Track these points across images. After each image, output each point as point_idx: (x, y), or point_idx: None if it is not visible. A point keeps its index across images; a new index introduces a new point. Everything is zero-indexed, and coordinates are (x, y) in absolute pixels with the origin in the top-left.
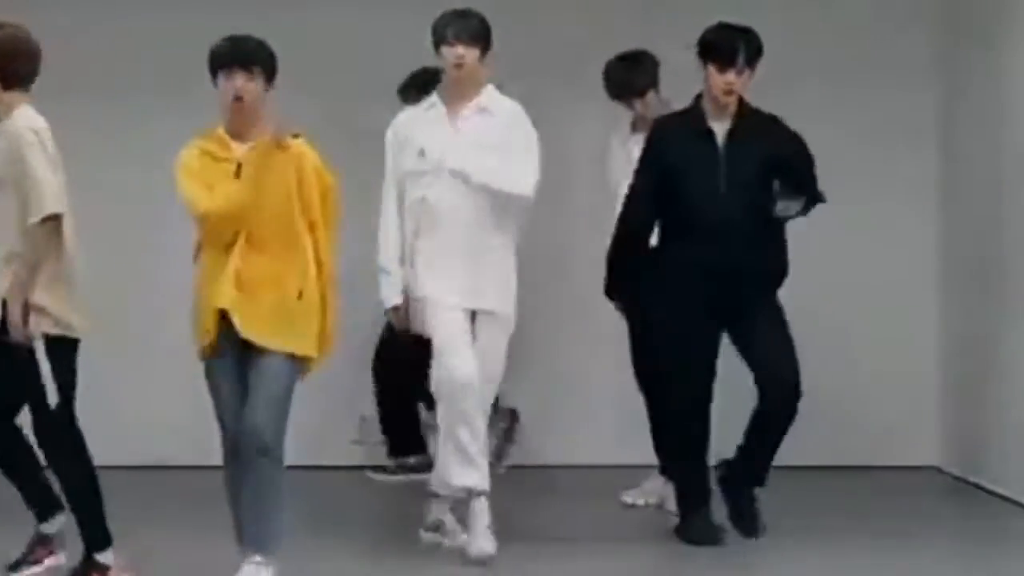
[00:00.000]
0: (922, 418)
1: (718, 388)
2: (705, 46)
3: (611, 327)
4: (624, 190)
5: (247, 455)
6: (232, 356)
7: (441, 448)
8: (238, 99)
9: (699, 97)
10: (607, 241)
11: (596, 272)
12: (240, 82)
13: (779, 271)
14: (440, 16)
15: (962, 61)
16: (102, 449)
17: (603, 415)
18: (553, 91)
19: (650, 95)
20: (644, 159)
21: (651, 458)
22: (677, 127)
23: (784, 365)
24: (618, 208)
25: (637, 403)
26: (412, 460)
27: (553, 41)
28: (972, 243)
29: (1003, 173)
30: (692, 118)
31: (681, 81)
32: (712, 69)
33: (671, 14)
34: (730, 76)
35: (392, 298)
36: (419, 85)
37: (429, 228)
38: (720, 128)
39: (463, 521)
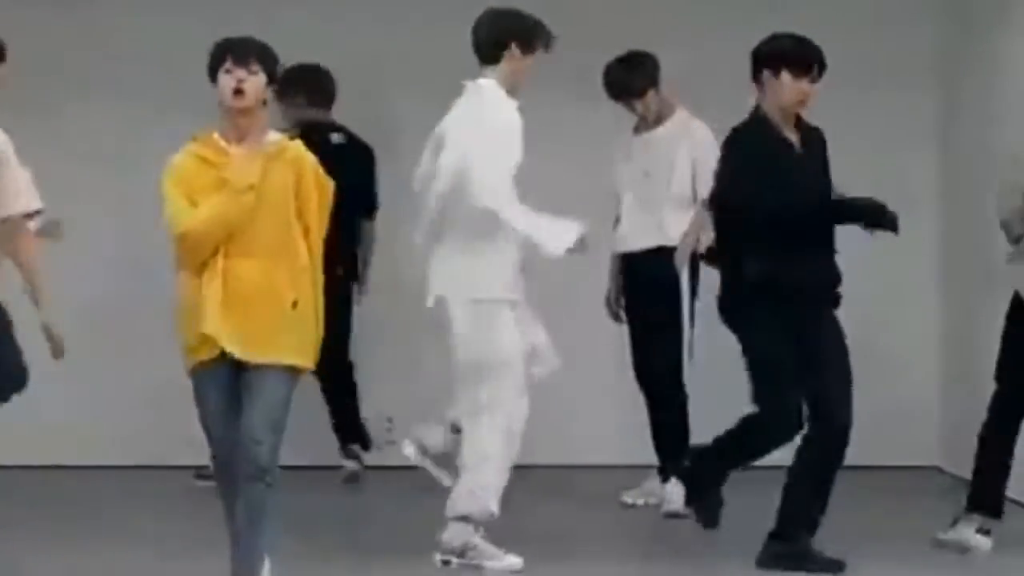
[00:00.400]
0: (922, 418)
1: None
2: (780, 54)
3: (611, 326)
4: (626, 192)
5: (243, 472)
6: (224, 369)
7: (489, 468)
8: (238, 92)
9: (757, 108)
10: (610, 242)
11: (598, 272)
12: (241, 74)
13: (839, 281)
14: (537, 20)
15: (962, 61)
16: (103, 449)
17: (603, 415)
18: (559, 93)
19: (650, 95)
20: (744, 167)
21: (651, 458)
22: (757, 138)
23: (839, 406)
24: (621, 210)
25: (637, 403)
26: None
27: (559, 42)
28: (973, 243)
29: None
30: (768, 128)
31: (681, 82)
32: (787, 77)
33: (673, 15)
34: (805, 85)
35: (575, 227)
36: (294, 81)
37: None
38: (793, 139)
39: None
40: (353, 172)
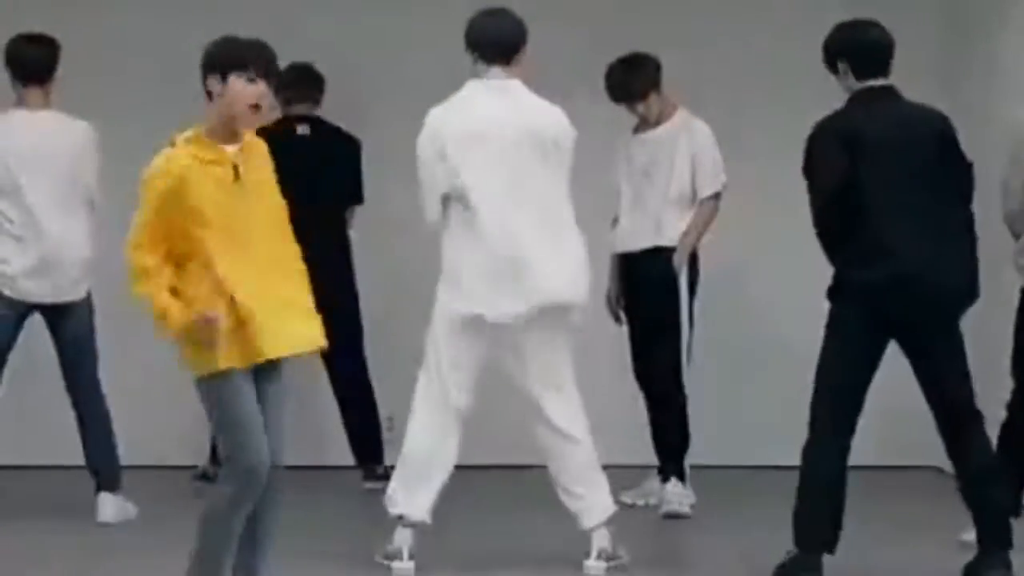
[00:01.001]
0: (922, 418)
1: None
2: None
3: (610, 326)
4: (625, 191)
5: (268, 488)
6: (250, 369)
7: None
8: (256, 107)
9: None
10: (610, 242)
11: (597, 273)
12: (262, 89)
13: None
14: None
15: (962, 62)
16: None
17: (603, 415)
18: (561, 93)
19: (652, 97)
20: None
21: (651, 458)
22: None
23: None
24: (619, 210)
25: (637, 403)
26: (380, 469)
27: (560, 43)
28: None
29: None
30: None
31: (682, 82)
32: None
33: (674, 14)
34: None
35: None
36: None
37: None
38: None
39: None
40: (327, 163)
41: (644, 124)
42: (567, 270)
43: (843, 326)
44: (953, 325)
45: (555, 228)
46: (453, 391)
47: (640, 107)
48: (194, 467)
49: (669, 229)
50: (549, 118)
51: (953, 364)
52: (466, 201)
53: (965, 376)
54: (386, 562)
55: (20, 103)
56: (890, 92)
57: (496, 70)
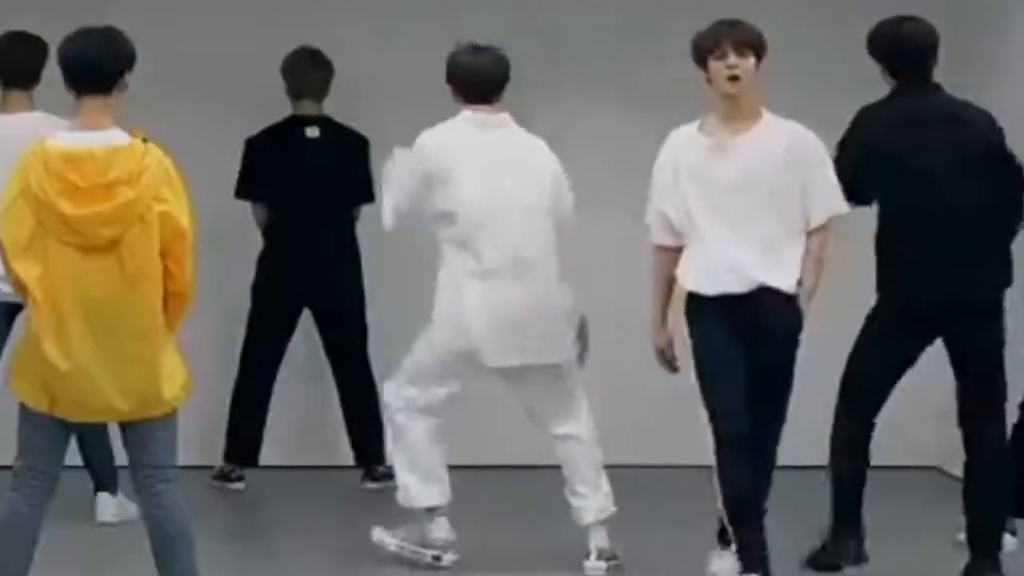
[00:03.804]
0: (922, 418)
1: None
2: None
3: (610, 326)
4: (700, 217)
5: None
6: None
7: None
8: None
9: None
10: (691, 279)
11: (598, 273)
12: None
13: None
14: None
15: (962, 61)
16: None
17: (603, 416)
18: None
19: (757, 69)
20: None
21: (651, 459)
22: None
23: None
24: (697, 233)
25: (637, 403)
26: (380, 469)
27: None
28: None
29: None
30: None
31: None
32: None
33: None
34: None
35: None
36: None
37: None
38: None
39: None
40: (337, 164)
41: (729, 121)
42: (554, 330)
43: (877, 324)
44: (982, 322)
45: (542, 267)
46: (443, 388)
47: (744, 68)
48: (193, 467)
49: (790, 260)
50: (543, 153)
51: (981, 359)
52: (456, 223)
53: (992, 372)
54: (436, 558)
55: (1, 107)
56: (923, 90)
57: (484, 107)
